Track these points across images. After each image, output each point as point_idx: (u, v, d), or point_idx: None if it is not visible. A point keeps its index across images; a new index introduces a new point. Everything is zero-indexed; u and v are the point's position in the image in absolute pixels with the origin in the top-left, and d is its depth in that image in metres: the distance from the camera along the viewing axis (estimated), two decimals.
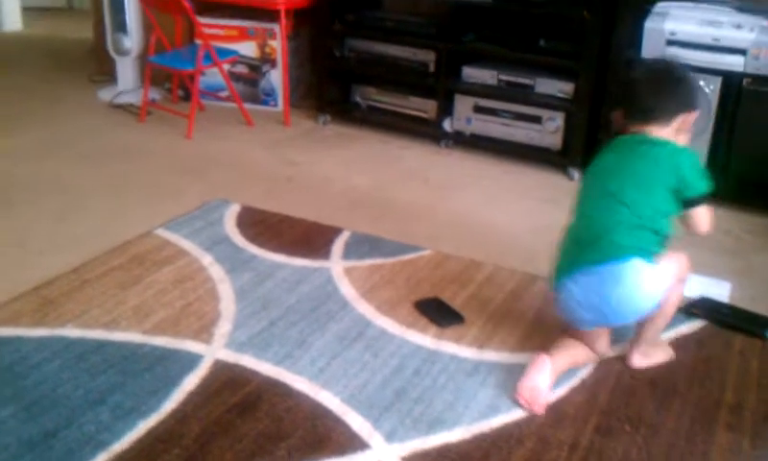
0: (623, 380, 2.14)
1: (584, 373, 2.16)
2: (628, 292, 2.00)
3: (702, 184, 2.07)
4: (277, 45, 4.41)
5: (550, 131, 3.71)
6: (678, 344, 2.32)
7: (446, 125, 4.02)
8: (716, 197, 2.14)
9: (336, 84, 4.37)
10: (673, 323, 2.38)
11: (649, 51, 3.33)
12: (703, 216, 2.10)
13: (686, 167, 2.05)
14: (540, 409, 1.99)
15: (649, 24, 3.33)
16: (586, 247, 2.06)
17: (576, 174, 3.66)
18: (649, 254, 2.02)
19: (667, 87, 2.11)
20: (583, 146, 3.63)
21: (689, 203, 2.07)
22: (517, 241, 3.01)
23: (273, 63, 4.48)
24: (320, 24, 4.28)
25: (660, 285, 2.03)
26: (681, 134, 2.12)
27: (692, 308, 2.50)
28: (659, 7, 3.39)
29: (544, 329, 2.36)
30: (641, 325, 2.15)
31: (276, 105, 4.53)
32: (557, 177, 3.70)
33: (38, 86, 4.90)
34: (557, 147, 3.74)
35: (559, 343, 2.14)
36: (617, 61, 3.43)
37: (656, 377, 2.16)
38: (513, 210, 3.32)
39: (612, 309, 2.03)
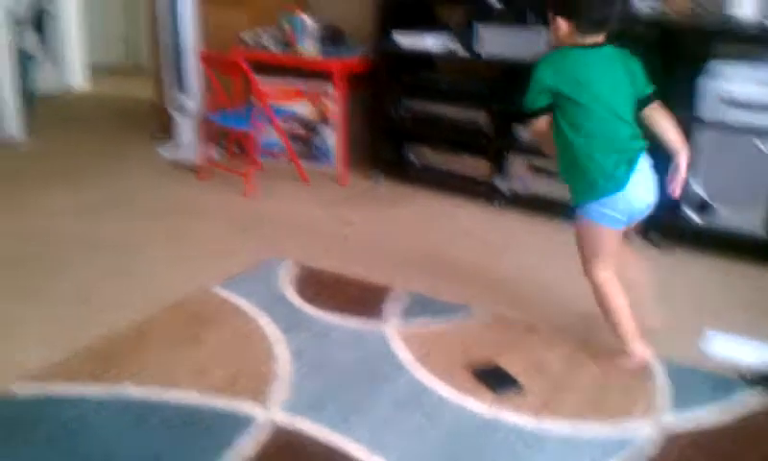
0: (686, 455, 2.08)
1: (646, 449, 2.11)
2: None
3: (648, 82, 2.42)
4: (333, 105, 4.47)
5: None
6: (736, 413, 2.25)
7: (500, 184, 4.01)
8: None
9: (391, 144, 4.42)
10: (728, 390, 2.33)
11: (704, 110, 3.30)
12: (662, 112, 2.41)
13: (635, 62, 2.40)
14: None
15: (704, 83, 3.31)
16: (632, 143, 2.32)
17: (634, 237, 3.61)
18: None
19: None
20: None
21: (646, 101, 2.40)
22: (573, 304, 2.97)
23: (328, 122, 4.54)
24: (376, 85, 4.34)
25: None
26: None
27: (747, 376, 2.43)
28: (713, 66, 3.36)
29: (604, 397, 2.31)
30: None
31: (331, 163, 4.58)
32: None
33: (103, 144, 5.05)
34: None
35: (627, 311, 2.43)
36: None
37: (717, 451, 2.10)
38: (568, 271, 3.26)
39: (653, 182, 2.37)
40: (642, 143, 2.35)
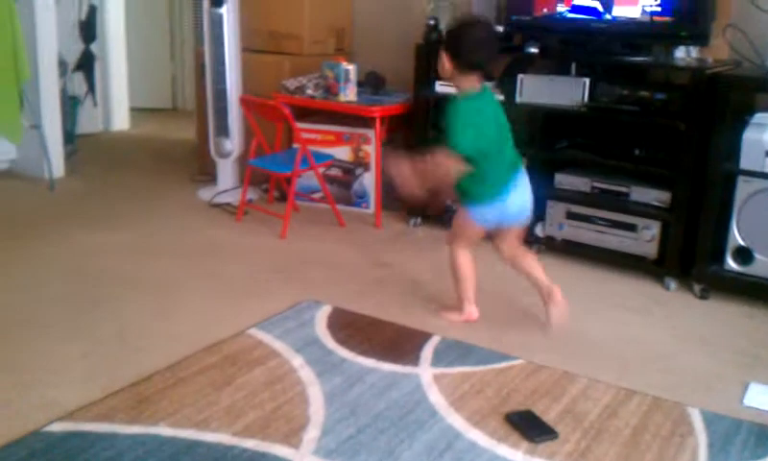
0: None
1: None
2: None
3: None
4: (371, 150, 4.51)
5: (646, 239, 3.64)
6: None
7: (538, 230, 4.00)
8: None
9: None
10: None
11: (748, 162, 3.27)
12: None
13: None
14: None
15: (748, 135, 3.28)
16: (513, 170, 2.97)
17: (673, 284, 3.57)
18: None
19: (495, 49, 2.94)
20: (680, 255, 3.55)
21: None
22: (611, 352, 2.93)
23: (366, 167, 4.58)
24: (413, 130, 4.37)
25: None
26: None
27: None
28: (757, 118, 3.34)
29: (642, 448, 2.27)
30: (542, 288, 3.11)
31: (368, 207, 4.61)
32: (652, 286, 3.61)
33: (142, 184, 5.13)
34: (652, 256, 3.66)
35: (471, 283, 3.14)
36: (715, 172, 3.37)
37: None
38: (606, 320, 3.25)
39: (530, 197, 3.02)
40: (519, 164, 3.01)
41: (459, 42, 2.86)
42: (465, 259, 3.10)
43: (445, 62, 2.86)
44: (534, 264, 3.12)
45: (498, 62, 2.93)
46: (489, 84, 3.03)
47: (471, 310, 3.15)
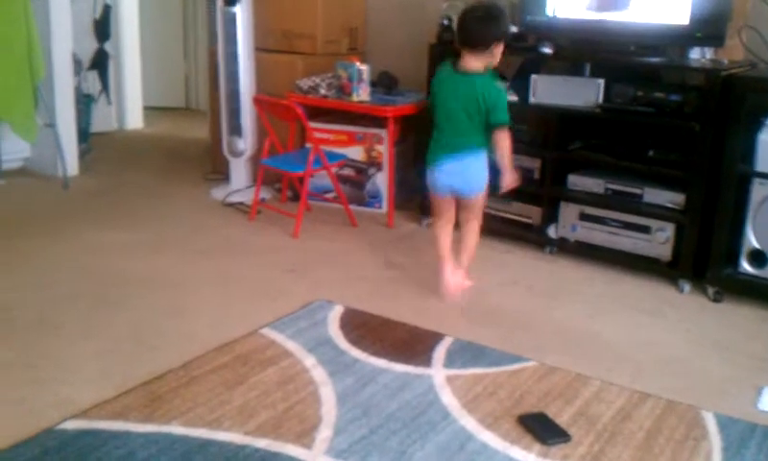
0: None
1: None
2: (479, 166, 3.21)
3: (502, 115, 3.13)
4: (384, 150, 4.51)
5: (660, 241, 3.63)
6: None
7: (551, 231, 3.99)
8: None
9: None
10: None
11: (764, 164, 3.25)
12: (503, 139, 3.16)
13: (493, 97, 3.10)
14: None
15: (763, 137, 3.26)
16: (458, 144, 3.18)
17: (687, 287, 3.55)
18: (484, 148, 3.20)
19: (490, 23, 3.10)
20: (694, 258, 3.53)
21: (493, 126, 3.13)
22: (624, 355, 2.92)
23: (379, 167, 4.58)
24: (426, 130, 4.35)
25: (486, 174, 3.25)
26: (496, 57, 3.16)
27: None
28: None
29: (655, 452, 2.26)
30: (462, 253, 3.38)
31: (380, 206, 4.61)
32: (665, 288, 3.59)
33: (156, 183, 5.15)
34: (666, 258, 3.64)
35: (442, 247, 3.37)
36: (730, 174, 3.35)
37: None
38: (619, 322, 3.23)
39: (471, 178, 3.23)
40: (472, 145, 3.17)
41: (459, 22, 3.20)
42: (438, 234, 3.39)
43: (456, 41, 3.19)
44: (467, 238, 3.40)
45: (497, 40, 3.11)
46: (500, 80, 3.26)
47: (447, 267, 3.35)
